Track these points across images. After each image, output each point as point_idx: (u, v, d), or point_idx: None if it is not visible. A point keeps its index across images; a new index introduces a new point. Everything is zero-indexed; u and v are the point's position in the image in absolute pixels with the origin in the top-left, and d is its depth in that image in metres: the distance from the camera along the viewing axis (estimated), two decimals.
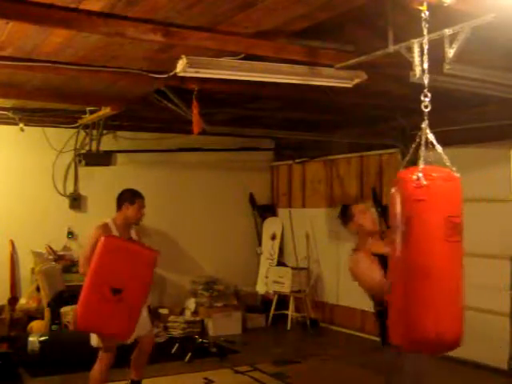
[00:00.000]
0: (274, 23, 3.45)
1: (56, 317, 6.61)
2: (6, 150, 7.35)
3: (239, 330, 7.69)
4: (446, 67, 3.44)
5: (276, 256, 8.76)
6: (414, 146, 2.74)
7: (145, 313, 4.63)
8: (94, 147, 7.50)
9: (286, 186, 9.02)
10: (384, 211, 7.05)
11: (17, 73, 4.63)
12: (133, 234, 4.72)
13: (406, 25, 3.23)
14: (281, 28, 3.53)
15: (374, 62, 3.84)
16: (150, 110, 6.28)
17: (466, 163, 6.43)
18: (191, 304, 7.93)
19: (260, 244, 8.98)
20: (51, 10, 3.13)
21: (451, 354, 6.59)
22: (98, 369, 4.46)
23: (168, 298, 8.07)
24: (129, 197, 4.63)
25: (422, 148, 2.68)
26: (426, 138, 2.69)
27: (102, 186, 7.83)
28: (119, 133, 7.88)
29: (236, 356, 6.58)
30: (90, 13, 3.21)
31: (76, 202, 7.73)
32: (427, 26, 2.75)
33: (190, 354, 6.34)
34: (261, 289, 8.63)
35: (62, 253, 7.48)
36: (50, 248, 7.38)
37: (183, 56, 3.77)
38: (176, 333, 7.31)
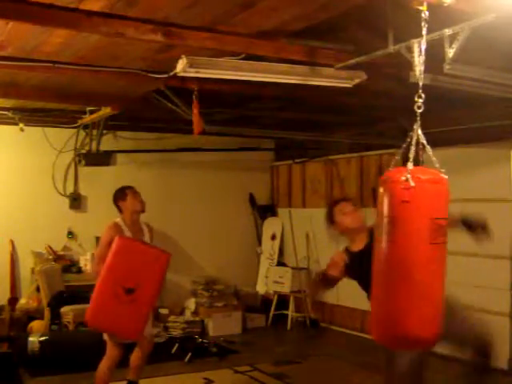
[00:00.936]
0: (274, 23, 3.45)
1: (56, 317, 6.61)
2: (6, 150, 7.36)
3: (239, 330, 7.69)
4: (446, 67, 3.44)
5: (276, 256, 8.76)
6: (404, 146, 2.76)
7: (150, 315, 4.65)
8: (94, 147, 7.50)
9: (286, 186, 9.02)
10: None
11: (17, 73, 4.63)
12: (145, 230, 4.77)
13: (406, 25, 3.22)
14: (281, 28, 3.53)
15: (374, 61, 3.84)
16: (150, 110, 6.28)
17: (466, 163, 6.46)
18: (191, 304, 7.93)
19: (260, 244, 8.98)
20: (51, 10, 3.13)
21: (451, 353, 6.59)
22: (105, 364, 4.55)
23: (168, 298, 8.05)
24: (119, 194, 4.70)
25: (412, 149, 2.69)
26: (417, 139, 2.71)
27: (102, 186, 7.81)
28: (119, 133, 7.88)
29: (236, 356, 6.58)
30: (90, 13, 3.21)
31: (76, 202, 7.73)
32: (427, 25, 2.75)
33: (189, 354, 6.34)
34: (261, 289, 8.63)
35: (61, 253, 7.48)
36: (50, 248, 7.38)
37: (183, 56, 3.77)
38: (176, 333, 7.31)
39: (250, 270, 8.74)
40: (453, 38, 3.24)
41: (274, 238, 8.88)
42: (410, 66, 3.38)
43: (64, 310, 6.61)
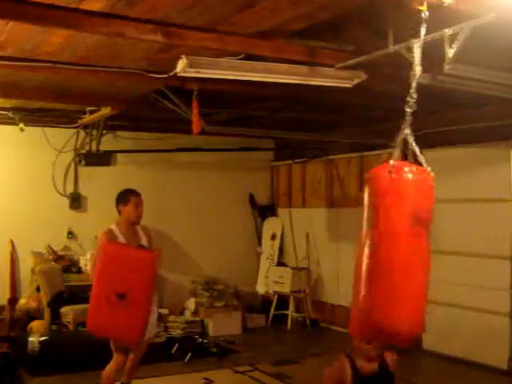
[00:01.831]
0: (274, 23, 3.45)
1: (56, 317, 6.61)
2: (6, 150, 7.36)
3: (239, 330, 7.69)
4: (446, 67, 3.44)
5: (276, 256, 8.76)
6: (395, 145, 2.79)
7: (152, 319, 4.58)
8: (94, 147, 7.50)
9: (286, 186, 9.02)
10: None
11: (17, 73, 4.62)
12: (141, 235, 4.65)
13: (406, 25, 3.22)
14: (281, 28, 3.53)
15: (374, 61, 3.84)
16: (150, 109, 6.28)
17: (466, 163, 6.46)
18: (191, 304, 7.93)
19: (260, 244, 8.98)
20: (51, 10, 3.14)
21: (451, 353, 6.62)
22: (109, 368, 4.55)
23: (168, 298, 8.06)
24: (122, 198, 4.60)
25: (397, 146, 2.74)
26: (404, 139, 2.75)
27: (101, 186, 7.83)
28: (119, 133, 7.88)
29: (236, 356, 6.58)
30: (90, 13, 3.21)
31: (76, 202, 7.73)
32: (427, 25, 2.75)
33: (189, 354, 6.34)
34: (261, 289, 8.63)
35: (61, 253, 7.48)
36: (50, 248, 7.38)
37: (183, 56, 3.77)
38: (176, 333, 7.31)
39: (250, 270, 8.74)
40: (453, 38, 3.24)
41: (273, 237, 8.88)
42: (409, 65, 3.38)
43: (64, 310, 6.61)
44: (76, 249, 7.67)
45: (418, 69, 3.08)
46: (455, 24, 3.16)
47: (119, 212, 4.61)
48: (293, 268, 8.21)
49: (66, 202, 7.70)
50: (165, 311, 7.69)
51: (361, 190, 7.63)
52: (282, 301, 8.26)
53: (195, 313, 7.82)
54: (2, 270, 7.23)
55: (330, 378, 3.46)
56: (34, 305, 6.96)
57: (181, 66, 3.80)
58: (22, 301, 7.05)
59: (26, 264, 7.34)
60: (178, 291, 8.14)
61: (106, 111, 6.11)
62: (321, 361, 6.43)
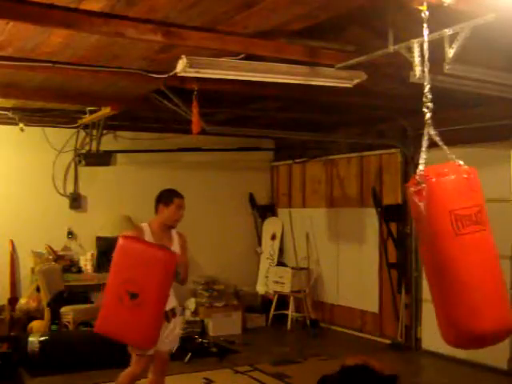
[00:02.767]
0: (274, 23, 3.45)
1: (56, 317, 6.61)
2: (6, 150, 7.35)
3: (239, 330, 7.69)
4: (446, 67, 3.45)
5: (276, 256, 8.76)
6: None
7: (173, 325, 4.23)
8: (94, 147, 7.50)
9: (286, 186, 9.02)
10: (384, 211, 7.06)
11: (17, 73, 4.63)
12: (175, 240, 4.33)
13: (406, 25, 3.23)
14: (281, 28, 3.53)
15: (374, 61, 3.84)
16: (150, 109, 6.28)
17: (466, 163, 6.44)
18: (191, 304, 7.93)
19: (260, 244, 8.98)
20: (51, 10, 3.14)
21: (451, 353, 6.60)
22: (128, 372, 4.11)
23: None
24: (164, 197, 4.30)
25: (423, 149, 2.71)
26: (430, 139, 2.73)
27: (102, 186, 7.84)
28: (119, 133, 7.88)
29: (236, 356, 6.58)
30: (90, 13, 3.21)
31: (76, 202, 7.73)
32: (427, 25, 2.75)
33: (189, 354, 6.34)
34: (261, 289, 8.63)
35: (61, 253, 7.48)
36: (50, 248, 7.38)
37: (183, 56, 3.77)
38: None
39: (250, 270, 8.74)
40: (453, 38, 3.24)
41: (273, 238, 8.88)
42: (409, 65, 3.38)
43: (64, 310, 6.61)
44: (76, 249, 7.67)
45: (417, 69, 3.08)
46: (455, 24, 3.16)
47: (156, 211, 4.28)
48: (293, 268, 8.20)
49: (65, 202, 7.69)
50: None
51: (362, 191, 7.65)
52: (282, 301, 8.26)
53: (195, 313, 7.82)
54: (2, 269, 7.22)
55: None
56: (33, 305, 6.96)
57: (181, 66, 3.80)
58: (22, 301, 7.05)
59: (26, 264, 7.34)
60: (177, 291, 8.12)
61: (105, 111, 6.11)
62: (321, 361, 6.45)
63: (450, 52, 3.30)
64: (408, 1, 2.74)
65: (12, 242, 7.35)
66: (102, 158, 7.50)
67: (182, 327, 4.57)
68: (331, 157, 8.14)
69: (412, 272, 6.77)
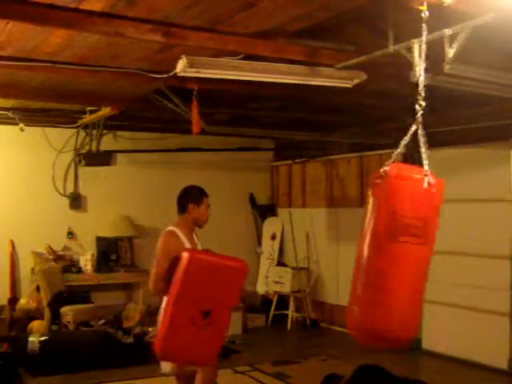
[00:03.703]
0: (274, 23, 3.45)
1: (56, 317, 6.61)
2: (6, 150, 7.36)
3: (239, 330, 7.69)
4: (446, 67, 3.44)
5: (276, 256, 8.76)
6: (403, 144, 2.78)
7: None
8: (94, 147, 7.51)
9: (286, 185, 9.02)
10: None
11: (17, 73, 4.63)
12: (195, 239, 4.17)
13: (406, 25, 3.22)
14: (281, 28, 3.53)
15: (374, 61, 3.84)
16: (150, 110, 6.28)
17: (466, 163, 6.46)
18: None
19: (260, 244, 8.98)
20: (51, 10, 3.14)
21: (451, 353, 6.60)
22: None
23: None
24: (195, 196, 4.10)
25: (400, 148, 2.72)
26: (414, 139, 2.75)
27: (102, 186, 7.84)
28: (119, 133, 7.88)
29: (236, 356, 6.57)
30: (90, 13, 3.21)
31: (76, 201, 7.73)
32: (427, 26, 2.75)
33: None
34: (261, 289, 8.63)
35: (61, 253, 7.48)
36: (50, 248, 7.38)
37: (183, 56, 3.77)
38: None
39: (250, 270, 8.71)
40: (453, 38, 3.24)
41: (273, 237, 8.88)
42: (410, 65, 3.38)
43: (64, 310, 6.61)
44: (76, 249, 7.67)
45: (417, 69, 3.08)
46: (455, 24, 3.16)
47: (185, 211, 4.05)
48: (293, 268, 8.20)
49: (65, 202, 7.69)
50: None
51: (362, 191, 7.65)
52: (282, 301, 8.26)
53: None
54: (2, 270, 7.23)
55: None
56: (33, 305, 6.96)
57: (181, 66, 3.80)
58: (22, 301, 7.05)
59: (26, 264, 7.34)
60: None
61: (106, 111, 6.11)
62: (321, 361, 6.45)
63: (450, 52, 3.30)
64: (408, 1, 2.73)
65: (12, 242, 7.35)
66: (102, 158, 7.50)
67: None
68: (331, 157, 8.14)
69: None
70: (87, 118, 6.69)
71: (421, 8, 2.70)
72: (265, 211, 9.06)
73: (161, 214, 8.06)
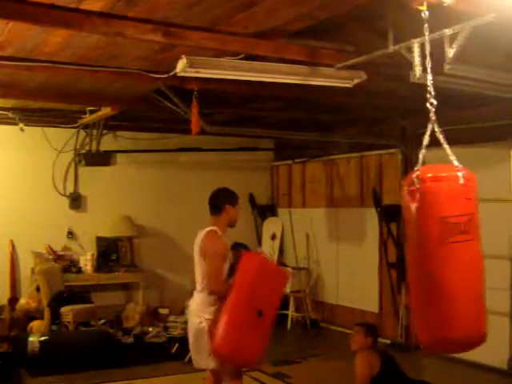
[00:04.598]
0: (274, 23, 3.45)
1: (56, 317, 6.60)
2: (6, 150, 7.36)
3: None
4: (446, 67, 3.44)
5: (276, 256, 8.75)
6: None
7: None
8: (94, 147, 7.51)
9: (286, 186, 9.02)
10: (384, 211, 7.06)
11: (17, 73, 4.63)
12: None
13: (406, 25, 3.23)
14: (281, 28, 3.53)
15: (374, 61, 3.84)
16: (150, 109, 6.28)
17: (466, 163, 6.44)
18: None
19: (260, 244, 8.97)
20: (51, 10, 3.14)
21: (451, 353, 6.55)
22: None
23: (168, 298, 8.06)
24: (231, 197, 4.20)
25: (423, 150, 2.70)
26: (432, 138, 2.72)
27: (102, 186, 7.84)
28: (119, 133, 7.88)
29: None
30: (90, 13, 3.21)
31: (76, 202, 7.73)
32: (427, 26, 2.75)
33: (190, 354, 6.32)
34: None
35: (61, 253, 7.48)
36: (50, 248, 7.38)
37: (183, 56, 3.77)
38: (176, 333, 7.29)
39: None
40: (453, 38, 3.24)
41: (273, 237, 8.87)
42: (409, 65, 3.38)
43: (64, 309, 6.61)
44: (76, 249, 7.67)
45: (417, 69, 3.08)
46: (455, 24, 3.16)
47: (221, 211, 4.09)
48: (293, 268, 8.20)
49: (65, 202, 7.69)
50: (165, 311, 7.69)
51: (362, 190, 7.65)
52: (282, 301, 8.25)
53: None
54: (2, 269, 7.22)
55: None
56: (33, 305, 6.96)
57: (181, 66, 3.80)
58: (22, 301, 7.05)
59: (26, 264, 7.34)
60: (177, 291, 8.13)
61: (106, 111, 6.12)
62: (321, 361, 6.45)
63: (450, 52, 3.30)
64: (408, 1, 2.73)
65: (12, 242, 7.35)
66: (102, 158, 7.50)
67: None
68: (331, 157, 8.14)
69: None
70: (87, 118, 6.69)
71: (421, 8, 2.70)
72: (265, 211, 9.06)
73: (160, 213, 8.10)
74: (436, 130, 2.70)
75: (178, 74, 3.96)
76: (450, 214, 2.49)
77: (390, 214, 6.96)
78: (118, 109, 5.97)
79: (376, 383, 4.26)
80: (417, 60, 3.30)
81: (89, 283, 7.36)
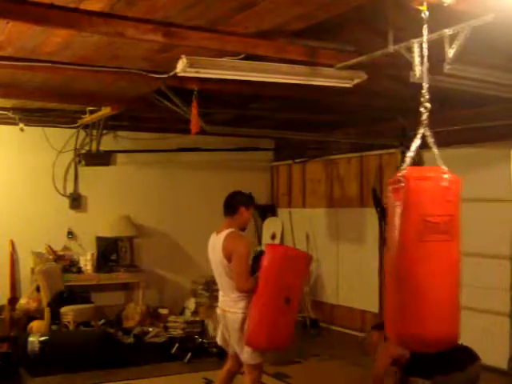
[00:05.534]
0: (274, 23, 3.45)
1: (56, 317, 6.61)
2: (6, 150, 7.36)
3: None
4: (446, 67, 3.45)
5: None
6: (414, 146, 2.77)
7: None
8: (94, 147, 7.51)
9: (286, 186, 9.02)
10: (384, 211, 7.06)
11: (17, 73, 4.63)
12: None
13: (406, 25, 3.23)
14: (281, 28, 3.53)
15: (374, 61, 3.84)
16: (150, 110, 6.28)
17: (466, 163, 6.45)
18: (191, 304, 7.92)
19: (260, 244, 8.97)
20: (51, 10, 3.14)
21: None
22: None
23: (168, 298, 8.07)
24: (247, 200, 4.32)
25: (411, 150, 2.71)
26: (423, 140, 2.74)
27: (102, 186, 7.84)
28: (119, 133, 7.88)
29: None
30: (90, 13, 3.21)
31: (76, 202, 7.73)
32: (427, 25, 2.75)
33: (189, 354, 6.33)
34: None
35: (61, 253, 7.48)
36: (50, 248, 7.38)
37: (183, 56, 3.77)
38: (176, 333, 7.30)
39: None
40: (453, 38, 3.24)
41: (273, 237, 8.87)
42: (409, 65, 3.38)
43: (64, 310, 6.61)
44: (76, 249, 7.67)
45: (417, 69, 3.08)
46: (455, 24, 3.16)
47: (235, 212, 4.22)
48: None
49: (65, 201, 7.69)
50: (165, 311, 7.70)
51: (361, 191, 7.65)
52: None
53: (195, 313, 7.81)
54: (2, 270, 7.23)
55: None
56: (33, 305, 6.95)
57: (181, 66, 3.80)
58: (22, 301, 7.04)
59: (26, 264, 7.34)
60: (177, 291, 8.14)
61: (106, 111, 6.12)
62: (321, 361, 6.45)
63: (450, 52, 3.29)
64: (408, 1, 2.73)
65: (12, 242, 7.35)
66: (102, 158, 7.50)
67: None
68: (331, 157, 8.14)
69: None
70: (87, 118, 6.69)
71: (421, 8, 2.70)
72: (265, 211, 9.06)
73: (160, 213, 8.10)
74: (426, 134, 2.73)
75: (178, 74, 3.96)
76: (431, 213, 2.55)
77: None
78: (117, 109, 5.97)
79: (409, 369, 4.18)
80: (417, 60, 3.30)
81: (89, 283, 7.36)
